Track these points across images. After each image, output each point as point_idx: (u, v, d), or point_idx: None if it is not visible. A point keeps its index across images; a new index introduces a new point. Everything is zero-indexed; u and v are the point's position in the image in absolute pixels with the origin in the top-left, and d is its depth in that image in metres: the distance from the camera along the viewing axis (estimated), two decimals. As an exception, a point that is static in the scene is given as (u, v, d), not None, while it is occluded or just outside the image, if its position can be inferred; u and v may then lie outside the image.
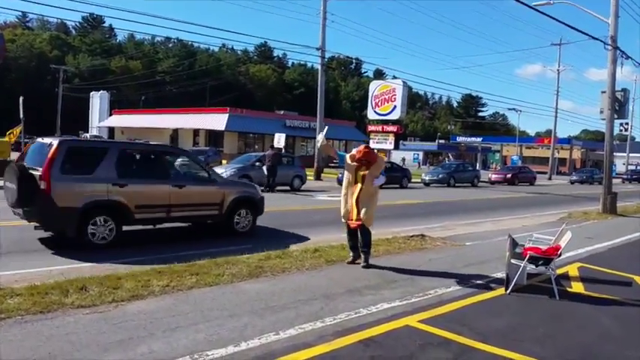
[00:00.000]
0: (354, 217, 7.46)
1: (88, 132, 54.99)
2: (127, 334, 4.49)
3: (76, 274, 6.40)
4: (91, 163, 8.34)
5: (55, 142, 8.19)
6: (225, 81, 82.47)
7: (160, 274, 6.35)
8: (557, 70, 49.89)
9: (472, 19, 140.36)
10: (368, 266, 7.53)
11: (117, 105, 61.63)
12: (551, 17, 14.31)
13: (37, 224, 8.25)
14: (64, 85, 59.18)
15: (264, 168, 20.63)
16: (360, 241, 7.64)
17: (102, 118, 57.86)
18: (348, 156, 7.72)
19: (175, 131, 49.58)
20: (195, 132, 48.23)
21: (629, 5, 48.39)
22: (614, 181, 48.11)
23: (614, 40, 16.82)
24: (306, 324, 4.94)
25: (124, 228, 8.71)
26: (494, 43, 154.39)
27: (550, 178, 49.09)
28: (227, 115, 45.32)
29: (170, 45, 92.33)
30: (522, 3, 12.96)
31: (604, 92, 17.23)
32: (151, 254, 8.02)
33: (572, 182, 45.24)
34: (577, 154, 78.12)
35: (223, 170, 20.10)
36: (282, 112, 56.87)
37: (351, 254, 7.81)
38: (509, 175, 37.62)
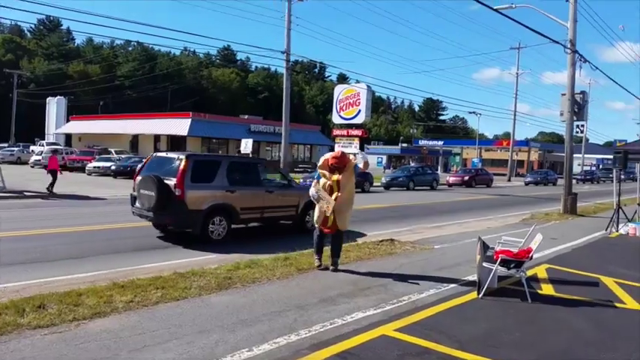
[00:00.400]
0: (330, 223, 7.54)
1: (44, 139, 53.12)
2: (89, 355, 4.20)
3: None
4: (211, 173, 10.13)
5: (182, 156, 9.97)
6: (187, 85, 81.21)
7: (123, 289, 6.04)
8: (516, 73, 51.20)
9: (433, 24, 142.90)
10: (337, 270, 7.59)
11: (75, 111, 59.76)
12: (514, 20, 14.56)
13: (169, 224, 10.48)
14: (18, 91, 57.17)
15: None
16: (331, 245, 7.72)
17: (59, 124, 56.05)
18: (321, 161, 7.74)
19: (135, 137, 48.49)
20: (157, 137, 47.25)
21: (585, 10, 50.06)
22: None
23: (573, 44, 17.28)
24: (281, 338, 4.76)
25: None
26: (454, 47, 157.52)
27: (510, 180, 50.20)
28: (190, 120, 44.60)
29: (130, 48, 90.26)
30: (486, 5, 13.14)
31: (564, 94, 17.65)
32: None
33: (526, 184, 45.09)
34: (535, 155, 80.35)
35: None
36: (246, 116, 56.38)
37: (316, 257, 7.78)
38: (466, 178, 37.55)
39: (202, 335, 4.76)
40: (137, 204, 10.08)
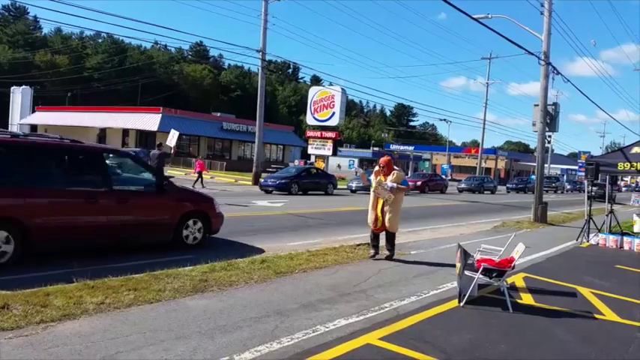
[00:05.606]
0: (379, 224, 9.01)
1: (7, 129, 51.28)
2: (58, 362, 3.92)
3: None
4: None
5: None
6: (157, 80, 79.63)
7: (94, 290, 5.74)
8: (487, 82, 52.10)
9: (406, 31, 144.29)
10: (389, 259, 9.00)
11: (41, 101, 57.92)
12: (492, 30, 14.69)
13: None
14: (-20, 78, 55.12)
15: None
16: (385, 242, 9.17)
17: (24, 114, 54.25)
18: (374, 171, 9.32)
19: (103, 130, 47.31)
20: (125, 132, 46.19)
21: (558, 23, 51.33)
22: (500, 188, 48.76)
23: (546, 56, 17.56)
24: (262, 345, 4.55)
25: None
26: (426, 55, 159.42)
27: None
28: (160, 115, 43.69)
29: (99, 40, 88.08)
30: (466, 14, 13.20)
31: (537, 105, 17.89)
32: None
33: (460, 190, 40.86)
34: (502, 164, 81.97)
35: None
36: (218, 114, 55.67)
37: (372, 251, 9.18)
38: (419, 183, 35.18)
39: (179, 341, 4.52)
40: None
